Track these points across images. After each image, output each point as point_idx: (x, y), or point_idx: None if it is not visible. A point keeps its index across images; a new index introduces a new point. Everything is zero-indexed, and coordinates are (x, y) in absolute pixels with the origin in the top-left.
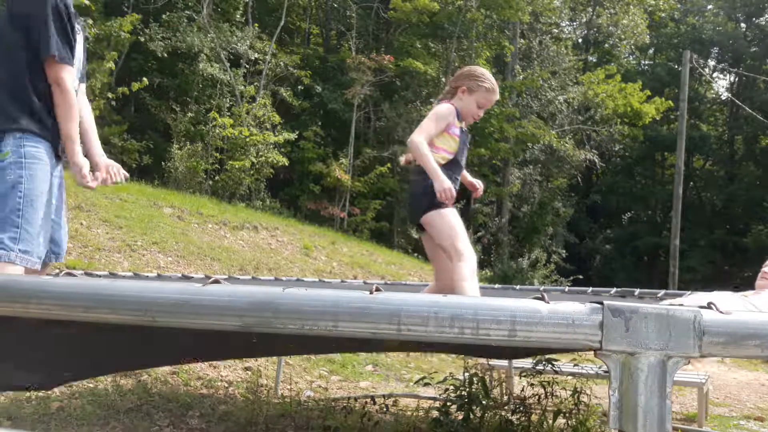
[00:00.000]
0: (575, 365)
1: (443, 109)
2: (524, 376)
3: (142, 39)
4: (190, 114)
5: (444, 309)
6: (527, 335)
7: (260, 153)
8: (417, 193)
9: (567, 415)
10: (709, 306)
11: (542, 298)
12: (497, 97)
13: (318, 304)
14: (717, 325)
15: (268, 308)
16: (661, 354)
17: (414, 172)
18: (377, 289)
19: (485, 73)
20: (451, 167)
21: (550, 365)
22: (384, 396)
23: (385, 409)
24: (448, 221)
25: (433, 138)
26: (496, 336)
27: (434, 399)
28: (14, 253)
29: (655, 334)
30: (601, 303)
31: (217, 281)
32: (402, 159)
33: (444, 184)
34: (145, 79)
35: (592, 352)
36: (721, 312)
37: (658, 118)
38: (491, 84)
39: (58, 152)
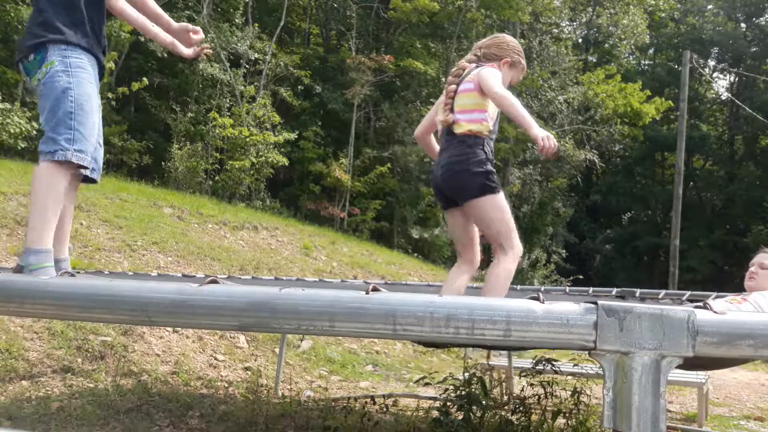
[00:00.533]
0: (575, 365)
1: (496, 71)
2: (524, 376)
3: (142, 39)
4: (190, 114)
5: (439, 309)
6: (522, 335)
7: (260, 153)
8: (466, 170)
9: (567, 415)
10: (703, 306)
11: (537, 299)
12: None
13: (315, 305)
14: (711, 325)
15: (265, 308)
16: (655, 354)
17: (455, 144)
18: (374, 289)
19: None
20: (492, 138)
21: (550, 365)
22: (384, 396)
23: (385, 409)
24: (504, 208)
25: (484, 101)
26: (491, 336)
27: (434, 399)
28: (70, 152)
29: (649, 333)
30: (595, 303)
31: (214, 281)
32: (440, 122)
33: (545, 132)
34: (145, 79)
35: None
36: (715, 312)
37: (658, 118)
38: (524, 65)
39: (102, 64)
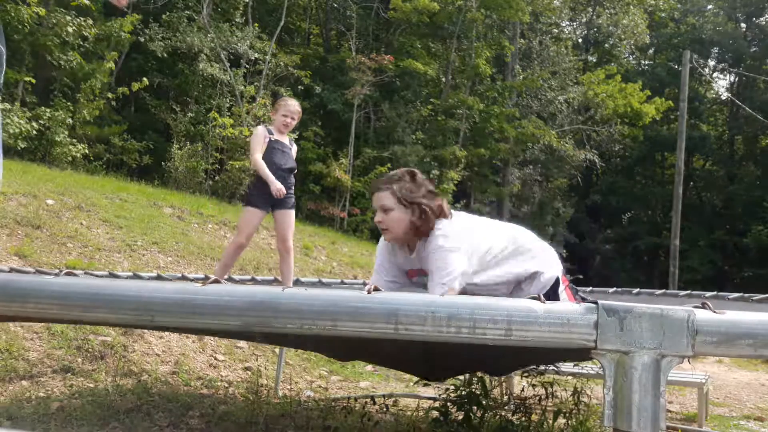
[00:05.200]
0: (575, 365)
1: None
2: (524, 376)
3: (142, 39)
4: (190, 114)
5: (441, 309)
6: (523, 335)
7: None
8: None
9: (567, 415)
10: (703, 305)
11: (538, 298)
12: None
13: (317, 304)
14: (710, 325)
15: (267, 308)
16: (655, 353)
17: None
18: (375, 289)
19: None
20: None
21: (551, 365)
22: (384, 396)
23: (385, 409)
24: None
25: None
26: (492, 335)
27: (434, 399)
28: None
29: (649, 333)
30: (596, 303)
31: (216, 281)
32: None
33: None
34: (145, 79)
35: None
36: (714, 312)
37: (658, 118)
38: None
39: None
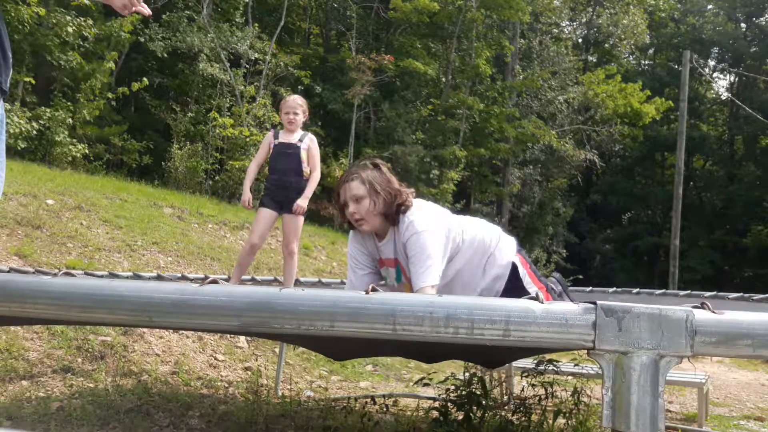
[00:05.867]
0: (575, 365)
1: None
2: (524, 377)
3: (142, 39)
4: (190, 114)
5: (439, 309)
6: (521, 335)
7: None
8: None
9: (567, 415)
10: (702, 306)
11: (536, 298)
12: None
13: (315, 305)
14: (709, 325)
15: (265, 308)
16: (654, 353)
17: None
18: (373, 290)
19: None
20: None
21: (551, 365)
22: (384, 396)
23: (385, 409)
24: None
25: None
26: (490, 335)
27: (434, 399)
28: None
29: (648, 333)
30: (594, 303)
31: (214, 281)
32: None
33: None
34: (145, 79)
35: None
36: (713, 312)
37: (658, 118)
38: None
39: (3, 86)
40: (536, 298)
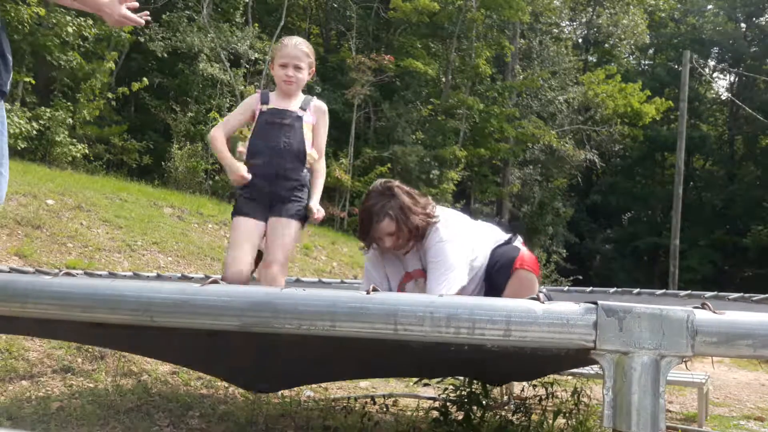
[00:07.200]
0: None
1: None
2: None
3: (142, 39)
4: (190, 114)
5: (440, 309)
6: (522, 335)
7: None
8: None
9: (567, 415)
10: (702, 306)
11: (537, 298)
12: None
13: (316, 305)
14: (710, 325)
15: (266, 308)
16: (655, 353)
17: None
18: (374, 290)
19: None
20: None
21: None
22: (384, 396)
23: (385, 409)
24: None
25: None
26: (491, 336)
27: (434, 399)
28: None
29: (649, 333)
30: (595, 303)
31: (215, 281)
32: None
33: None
34: (145, 79)
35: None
36: (714, 312)
37: (658, 118)
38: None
39: (3, 88)
40: (537, 299)
